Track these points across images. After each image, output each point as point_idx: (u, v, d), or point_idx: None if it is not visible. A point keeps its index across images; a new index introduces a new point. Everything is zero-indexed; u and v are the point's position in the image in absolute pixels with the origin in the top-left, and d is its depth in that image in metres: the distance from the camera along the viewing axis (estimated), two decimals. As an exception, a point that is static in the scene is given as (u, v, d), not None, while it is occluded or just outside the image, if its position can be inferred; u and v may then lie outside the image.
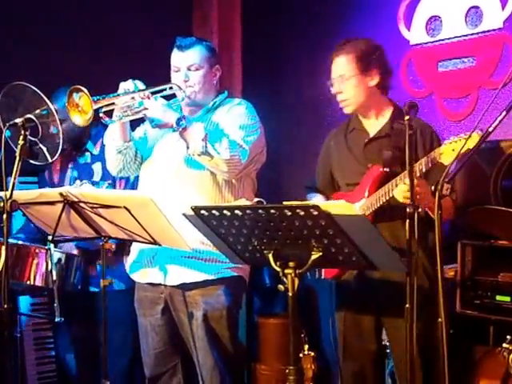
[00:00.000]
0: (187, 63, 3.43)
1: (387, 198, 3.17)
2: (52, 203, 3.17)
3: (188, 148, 3.28)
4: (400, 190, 3.07)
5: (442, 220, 3.26)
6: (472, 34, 4.22)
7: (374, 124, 3.44)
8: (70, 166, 4.15)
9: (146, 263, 3.48)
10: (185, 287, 3.40)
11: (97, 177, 4.01)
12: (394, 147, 3.22)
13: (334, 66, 3.37)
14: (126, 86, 3.32)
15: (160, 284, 3.44)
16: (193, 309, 3.39)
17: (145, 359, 3.58)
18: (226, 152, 3.25)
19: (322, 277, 3.53)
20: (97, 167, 4.04)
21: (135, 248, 3.55)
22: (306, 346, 4.16)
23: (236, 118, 3.43)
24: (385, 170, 3.24)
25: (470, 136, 2.77)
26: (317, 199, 3.56)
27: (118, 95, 3.30)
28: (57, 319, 3.37)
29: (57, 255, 3.71)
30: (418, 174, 3.03)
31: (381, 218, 3.26)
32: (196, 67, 3.43)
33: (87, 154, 4.09)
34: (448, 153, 2.91)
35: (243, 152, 3.31)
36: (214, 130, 3.40)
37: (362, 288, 3.37)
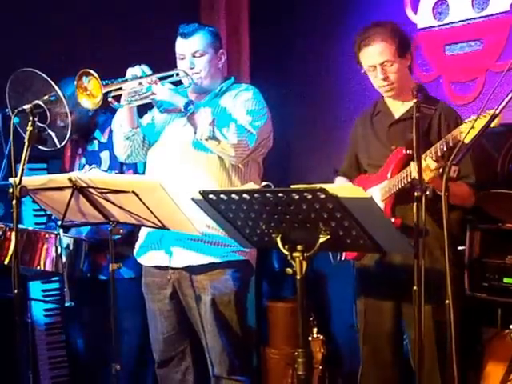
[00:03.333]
0: (191, 50, 3.44)
1: (409, 179, 3.15)
2: (61, 189, 3.18)
3: (195, 132, 3.30)
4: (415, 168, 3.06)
5: (460, 205, 3.29)
6: (479, 18, 4.20)
7: (399, 106, 3.44)
8: (78, 152, 4.17)
9: (153, 246, 3.51)
10: (192, 270, 3.42)
11: (104, 166, 4.03)
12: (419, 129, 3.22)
13: (371, 52, 3.33)
14: (134, 71, 3.34)
15: (167, 267, 3.47)
16: (200, 293, 3.42)
17: (154, 344, 3.61)
18: (233, 137, 3.27)
19: (343, 258, 3.57)
20: (104, 155, 4.06)
21: (143, 232, 3.58)
22: (315, 330, 4.22)
23: (243, 102, 3.44)
24: (408, 152, 3.23)
25: (493, 115, 2.74)
26: (339, 182, 3.59)
27: (126, 80, 3.32)
28: (67, 304, 3.41)
29: (65, 240, 3.75)
30: (439, 154, 3.03)
31: (403, 200, 3.25)
32: (201, 53, 3.44)
33: (95, 141, 4.11)
34: (467, 131, 2.88)
35: (251, 137, 3.33)
36: (221, 114, 3.41)
37: (383, 271, 3.39)
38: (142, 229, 3.56)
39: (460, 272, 3.53)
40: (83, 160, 4.13)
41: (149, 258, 3.54)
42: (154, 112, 3.57)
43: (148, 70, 3.36)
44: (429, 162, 3.00)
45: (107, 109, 4.00)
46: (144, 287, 3.61)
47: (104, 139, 4.08)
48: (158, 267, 3.52)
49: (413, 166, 3.11)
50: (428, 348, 3.15)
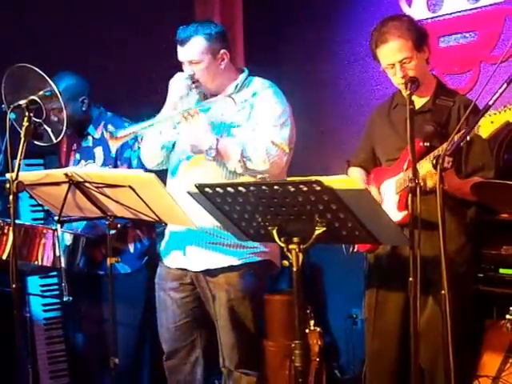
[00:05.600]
0: (187, 58, 3.41)
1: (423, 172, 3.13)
2: (58, 184, 3.19)
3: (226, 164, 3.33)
4: (424, 168, 3.07)
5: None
6: (473, 9, 4.21)
7: (417, 99, 3.37)
8: (73, 148, 4.18)
9: (175, 248, 3.52)
10: (209, 273, 3.44)
11: (98, 161, 4.01)
12: (435, 122, 3.22)
13: (389, 50, 3.28)
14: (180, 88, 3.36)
15: (185, 269, 3.49)
16: (216, 289, 3.43)
17: (163, 334, 3.61)
18: (265, 164, 3.30)
19: (355, 250, 3.57)
20: (98, 151, 4.03)
21: (167, 233, 3.59)
22: (312, 322, 4.23)
23: (267, 110, 3.39)
24: (425, 144, 3.22)
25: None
26: (355, 174, 3.59)
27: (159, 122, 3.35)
28: (65, 299, 3.41)
29: (65, 235, 3.75)
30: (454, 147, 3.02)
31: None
32: (196, 61, 3.40)
33: (89, 137, 4.08)
34: (486, 125, 2.86)
35: (282, 153, 3.35)
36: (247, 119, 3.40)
37: (394, 264, 3.37)
38: (167, 229, 3.57)
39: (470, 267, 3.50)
40: (77, 156, 4.12)
41: (172, 260, 3.55)
42: None
43: (188, 84, 3.37)
44: (429, 166, 2.95)
45: (100, 105, 4.05)
46: (158, 278, 3.61)
47: (97, 135, 4.05)
48: (177, 268, 3.54)
49: (423, 163, 3.11)
50: (434, 341, 3.14)
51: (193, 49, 3.38)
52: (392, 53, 3.27)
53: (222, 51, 3.44)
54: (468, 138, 2.92)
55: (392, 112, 3.52)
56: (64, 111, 3.59)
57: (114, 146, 3.40)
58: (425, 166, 3.08)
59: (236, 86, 3.48)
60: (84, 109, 4.00)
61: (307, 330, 4.14)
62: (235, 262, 3.40)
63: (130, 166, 3.93)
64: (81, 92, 3.98)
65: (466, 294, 3.21)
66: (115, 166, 3.94)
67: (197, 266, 3.45)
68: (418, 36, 3.30)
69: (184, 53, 3.40)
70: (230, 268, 3.41)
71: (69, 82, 3.92)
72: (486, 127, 2.83)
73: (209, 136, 3.30)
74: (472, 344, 3.58)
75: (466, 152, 3.19)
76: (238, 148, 3.29)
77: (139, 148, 3.73)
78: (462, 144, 2.86)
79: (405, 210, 3.25)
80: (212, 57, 3.41)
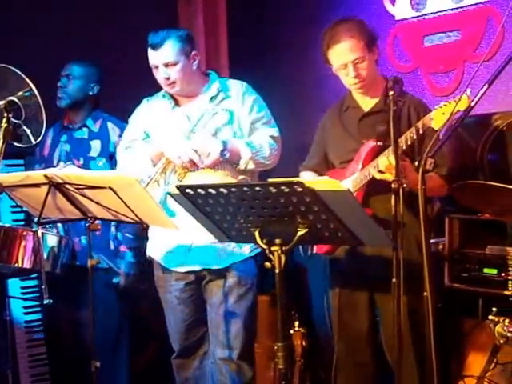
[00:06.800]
0: (163, 61, 3.46)
1: (377, 170, 3.16)
2: (37, 185, 3.16)
3: (235, 162, 3.46)
4: (381, 163, 3.09)
5: (434, 196, 3.31)
6: (457, 8, 4.20)
7: (368, 100, 3.44)
8: (61, 139, 4.19)
9: (175, 250, 3.55)
10: (215, 268, 3.52)
11: (94, 153, 4.09)
12: (388, 122, 3.22)
13: (340, 50, 3.31)
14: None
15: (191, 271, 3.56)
16: (223, 279, 3.51)
17: (174, 334, 3.67)
18: (270, 158, 3.52)
19: (314, 252, 3.57)
20: (95, 144, 4.11)
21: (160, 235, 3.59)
22: (297, 323, 4.21)
23: (256, 111, 3.56)
24: (378, 143, 3.25)
25: (459, 99, 2.77)
26: (308, 177, 3.58)
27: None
28: (45, 301, 3.38)
29: (51, 238, 3.77)
30: (409, 142, 3.05)
31: (374, 191, 3.28)
32: (172, 63, 3.46)
33: (85, 129, 4.15)
34: (438, 117, 2.91)
35: (278, 142, 3.57)
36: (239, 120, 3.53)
37: (355, 264, 3.39)
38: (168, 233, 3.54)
39: (435, 263, 3.52)
40: (67, 146, 4.16)
41: (173, 262, 3.58)
42: None
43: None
44: (391, 159, 2.98)
45: (99, 105, 4.16)
46: (160, 280, 3.66)
47: (96, 128, 4.14)
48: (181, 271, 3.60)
49: (380, 160, 3.12)
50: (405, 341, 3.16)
51: (168, 51, 3.44)
52: (344, 53, 3.30)
53: (193, 52, 3.54)
54: (421, 130, 3.02)
55: (343, 115, 3.53)
56: (43, 113, 3.57)
57: None
58: (382, 162, 3.09)
59: (218, 89, 3.56)
60: (91, 93, 4.15)
61: (292, 331, 4.12)
62: (244, 253, 3.50)
63: None
64: (96, 78, 4.16)
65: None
66: (111, 160, 4.02)
67: (202, 264, 3.51)
68: (370, 37, 3.33)
69: (159, 56, 3.45)
70: (238, 260, 3.50)
71: (89, 66, 4.15)
72: (438, 119, 2.88)
73: (215, 141, 3.39)
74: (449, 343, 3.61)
75: (419, 145, 3.19)
76: (245, 146, 3.43)
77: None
78: (414, 138, 3.00)
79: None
80: (186, 57, 3.48)
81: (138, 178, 3.01)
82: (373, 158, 3.24)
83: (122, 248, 4.04)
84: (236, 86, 3.58)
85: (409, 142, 3.05)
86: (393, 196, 2.78)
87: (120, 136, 3.91)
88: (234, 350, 3.54)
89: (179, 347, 3.68)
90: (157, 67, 3.48)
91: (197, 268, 3.52)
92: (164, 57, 3.44)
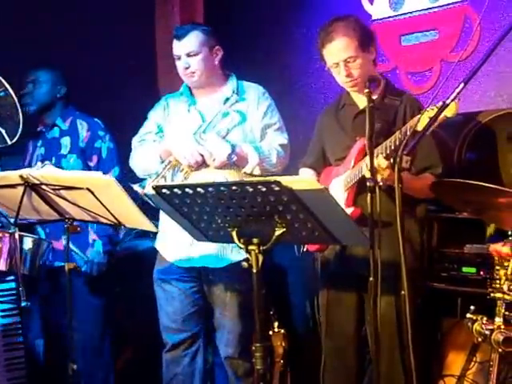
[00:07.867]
0: (185, 51, 3.57)
1: (363, 171, 3.15)
2: (13, 186, 3.14)
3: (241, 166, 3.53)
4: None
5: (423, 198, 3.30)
6: (434, 8, 4.22)
7: (364, 98, 3.35)
8: (37, 144, 4.20)
9: (178, 245, 3.58)
10: (217, 266, 3.57)
11: (65, 150, 4.11)
12: (383, 120, 3.22)
13: (333, 49, 3.30)
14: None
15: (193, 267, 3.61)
16: (225, 279, 3.57)
17: (169, 326, 3.71)
18: (277, 166, 3.59)
19: (305, 249, 3.58)
20: (65, 141, 4.13)
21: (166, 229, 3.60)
22: (276, 324, 4.19)
23: (269, 117, 3.66)
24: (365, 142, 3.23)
25: (447, 104, 2.75)
26: (306, 174, 3.59)
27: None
28: (23, 304, 3.35)
29: (27, 240, 3.75)
30: (397, 143, 3.03)
31: (364, 190, 3.24)
32: (194, 53, 3.57)
33: (56, 128, 4.17)
34: (425, 121, 2.89)
35: (287, 150, 3.65)
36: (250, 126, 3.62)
37: (345, 264, 3.39)
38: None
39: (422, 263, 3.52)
40: (42, 150, 4.17)
41: (176, 256, 3.63)
42: None
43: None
44: (380, 161, 2.99)
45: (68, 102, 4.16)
46: (160, 273, 3.70)
47: (65, 126, 4.16)
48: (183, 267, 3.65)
49: (366, 161, 3.11)
50: (389, 340, 3.16)
51: (192, 41, 3.57)
52: (337, 51, 3.30)
53: (217, 47, 3.66)
54: (408, 132, 2.94)
55: (340, 112, 3.54)
56: (20, 113, 3.56)
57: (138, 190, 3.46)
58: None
59: (226, 99, 3.64)
60: (58, 96, 4.17)
61: (271, 332, 4.11)
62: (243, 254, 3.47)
63: (99, 157, 4.06)
64: (61, 82, 4.18)
65: (417, 291, 3.20)
66: (82, 156, 4.05)
67: (204, 261, 3.56)
68: (364, 36, 3.32)
69: (182, 45, 3.58)
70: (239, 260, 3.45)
71: (54, 70, 4.18)
72: (425, 122, 2.84)
73: (224, 145, 3.48)
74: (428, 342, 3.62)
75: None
76: (254, 152, 3.51)
77: (110, 141, 4.05)
78: (402, 139, 2.94)
79: (352, 206, 3.30)
80: (208, 50, 3.61)
81: (113, 179, 3.02)
82: (364, 156, 3.23)
83: (93, 236, 4.05)
84: (253, 90, 3.70)
85: (397, 143, 3.03)
86: (369, 194, 2.77)
87: (88, 130, 4.05)
88: (237, 349, 3.62)
89: (173, 341, 3.71)
90: (179, 58, 3.59)
91: (199, 265, 3.58)
92: (187, 46, 3.57)
